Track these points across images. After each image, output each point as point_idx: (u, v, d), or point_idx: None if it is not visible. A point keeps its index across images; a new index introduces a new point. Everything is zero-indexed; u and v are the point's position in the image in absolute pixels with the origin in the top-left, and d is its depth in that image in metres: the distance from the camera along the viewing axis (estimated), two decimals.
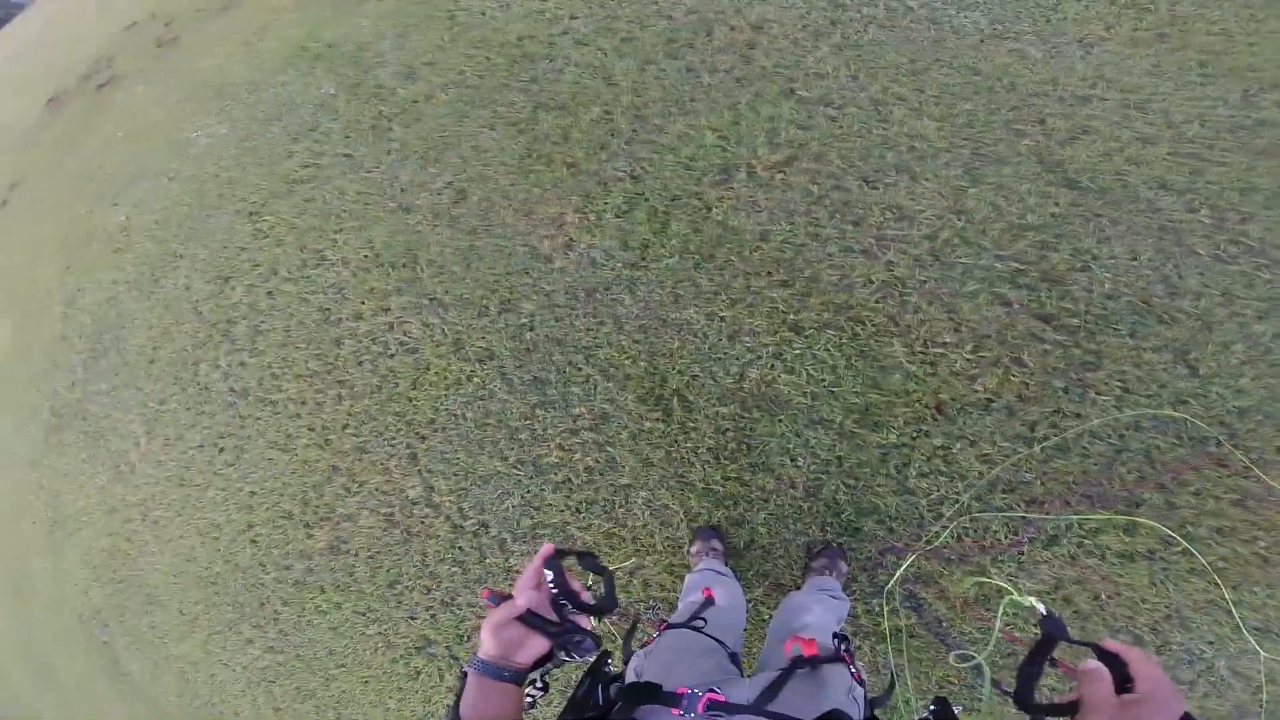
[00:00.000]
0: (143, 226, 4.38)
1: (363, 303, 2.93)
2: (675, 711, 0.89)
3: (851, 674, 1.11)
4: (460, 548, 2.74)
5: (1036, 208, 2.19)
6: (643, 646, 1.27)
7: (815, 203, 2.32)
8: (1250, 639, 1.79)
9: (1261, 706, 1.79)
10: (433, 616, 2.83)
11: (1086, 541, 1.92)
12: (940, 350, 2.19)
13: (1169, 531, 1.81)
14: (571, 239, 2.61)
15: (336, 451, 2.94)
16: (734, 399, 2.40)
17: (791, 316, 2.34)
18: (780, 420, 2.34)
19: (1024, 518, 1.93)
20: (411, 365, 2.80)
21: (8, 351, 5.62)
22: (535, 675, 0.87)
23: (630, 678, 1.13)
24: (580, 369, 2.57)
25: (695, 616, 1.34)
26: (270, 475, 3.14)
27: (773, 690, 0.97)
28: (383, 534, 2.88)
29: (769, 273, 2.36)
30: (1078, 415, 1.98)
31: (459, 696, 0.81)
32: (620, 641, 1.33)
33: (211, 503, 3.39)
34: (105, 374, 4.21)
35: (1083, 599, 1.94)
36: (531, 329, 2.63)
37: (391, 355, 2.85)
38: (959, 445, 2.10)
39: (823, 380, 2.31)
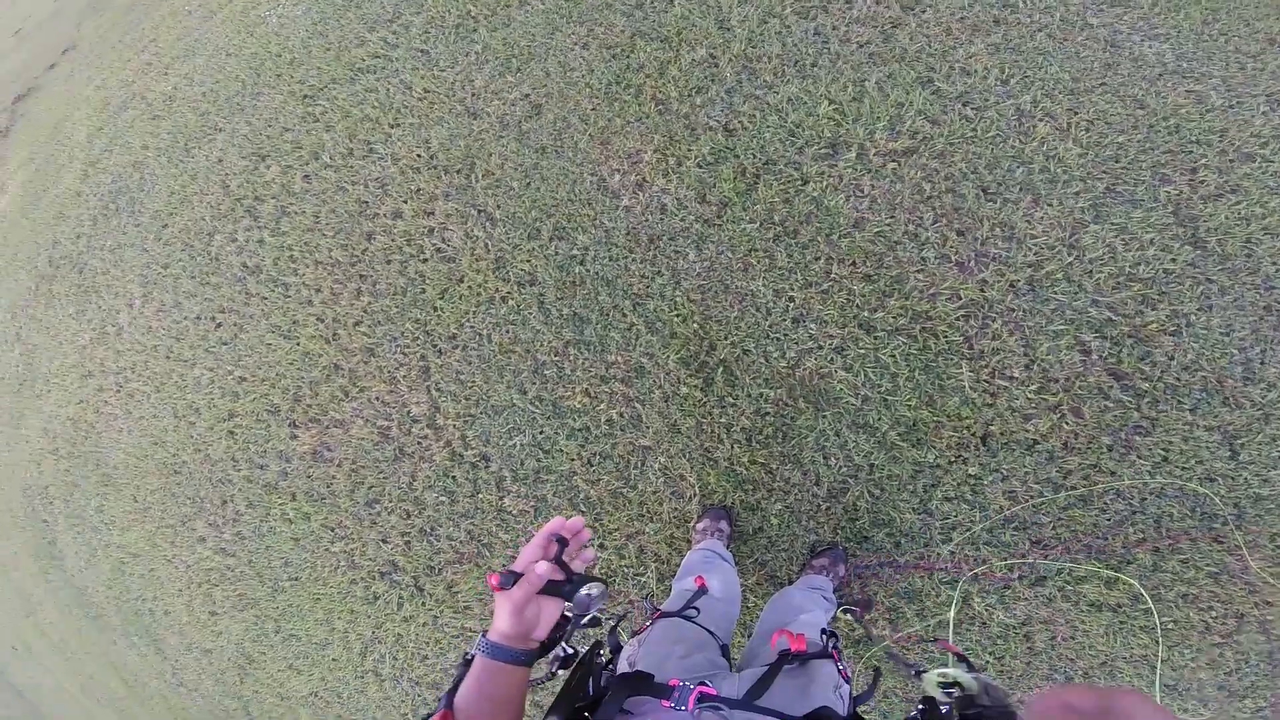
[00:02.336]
0: (188, 97, 4.19)
1: (405, 202, 2.75)
2: (666, 703, 0.89)
3: (839, 670, 1.13)
4: (454, 477, 2.54)
5: (1153, 260, 2.06)
6: (635, 635, 1.28)
7: (924, 201, 2.17)
8: (1156, 695, 1.92)
9: None
10: (407, 543, 2.62)
11: (1069, 587, 1.99)
12: (1005, 384, 2.10)
13: (1143, 592, 1.91)
14: (645, 179, 2.43)
15: (343, 349, 2.74)
16: (782, 384, 2.26)
17: (865, 314, 2.21)
18: (824, 416, 2.24)
19: (1025, 562, 2.02)
20: (445, 274, 2.62)
21: (16, 200, 5.45)
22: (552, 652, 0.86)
23: (623, 667, 1.13)
24: (625, 315, 2.39)
25: (688, 606, 1.34)
26: (265, 362, 2.94)
27: (762, 685, 0.99)
28: (373, 448, 2.68)
29: (854, 263, 2.22)
30: (1112, 473, 2.00)
31: (456, 684, 0.78)
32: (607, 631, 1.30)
33: (195, 383, 3.18)
34: (113, 231, 4.01)
35: (1041, 637, 2.03)
36: (582, 263, 2.45)
37: (425, 259, 2.66)
38: (990, 478, 2.09)
39: (879, 386, 2.19)
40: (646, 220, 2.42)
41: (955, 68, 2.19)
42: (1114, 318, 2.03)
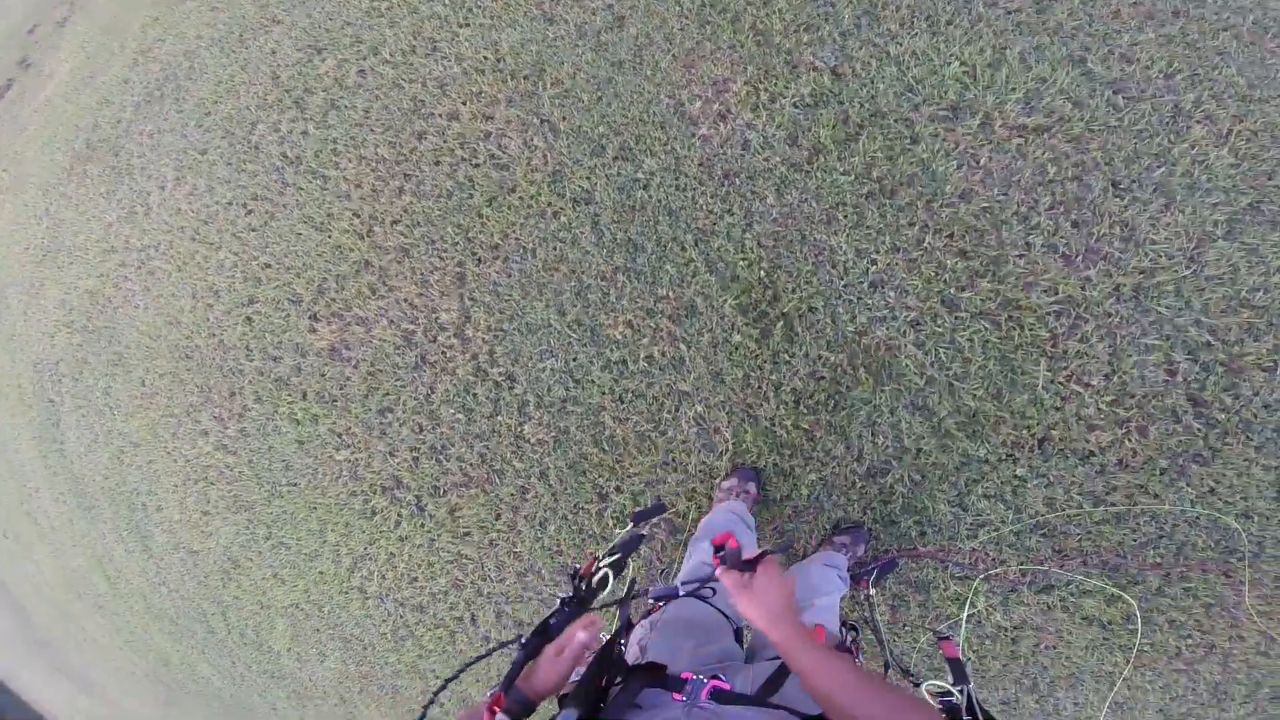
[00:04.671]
0: None
1: (464, 104, 2.47)
2: (677, 697, 0.84)
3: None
4: (475, 394, 2.28)
5: (1274, 288, 1.81)
6: (647, 615, 1.21)
7: (1044, 184, 1.90)
8: (1104, 709, 1.93)
9: None
10: (415, 460, 2.37)
11: (1071, 599, 1.91)
12: (1080, 390, 1.86)
13: (1138, 614, 1.85)
14: (729, 110, 2.15)
15: (376, 246, 2.47)
16: (845, 349, 2.02)
17: (952, 291, 1.95)
18: (883, 391, 1.99)
19: (1040, 568, 1.94)
20: (496, 181, 2.34)
21: (62, 86, 5.19)
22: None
23: (633, 651, 1.07)
24: (685, 250, 2.12)
25: (704, 584, 1.21)
26: (293, 251, 2.68)
27: (776, 680, 0.94)
28: (394, 352, 2.42)
29: (951, 235, 1.95)
30: (1156, 496, 1.85)
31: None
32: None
33: (219, 265, 2.91)
34: (154, 117, 3.73)
35: (1026, 643, 1.97)
36: (645, 188, 2.17)
37: (477, 164, 2.38)
38: (1035, 482, 1.91)
39: (949, 368, 1.94)
40: (724, 154, 2.13)
41: (1115, 53, 1.88)
42: (1213, 342, 1.79)
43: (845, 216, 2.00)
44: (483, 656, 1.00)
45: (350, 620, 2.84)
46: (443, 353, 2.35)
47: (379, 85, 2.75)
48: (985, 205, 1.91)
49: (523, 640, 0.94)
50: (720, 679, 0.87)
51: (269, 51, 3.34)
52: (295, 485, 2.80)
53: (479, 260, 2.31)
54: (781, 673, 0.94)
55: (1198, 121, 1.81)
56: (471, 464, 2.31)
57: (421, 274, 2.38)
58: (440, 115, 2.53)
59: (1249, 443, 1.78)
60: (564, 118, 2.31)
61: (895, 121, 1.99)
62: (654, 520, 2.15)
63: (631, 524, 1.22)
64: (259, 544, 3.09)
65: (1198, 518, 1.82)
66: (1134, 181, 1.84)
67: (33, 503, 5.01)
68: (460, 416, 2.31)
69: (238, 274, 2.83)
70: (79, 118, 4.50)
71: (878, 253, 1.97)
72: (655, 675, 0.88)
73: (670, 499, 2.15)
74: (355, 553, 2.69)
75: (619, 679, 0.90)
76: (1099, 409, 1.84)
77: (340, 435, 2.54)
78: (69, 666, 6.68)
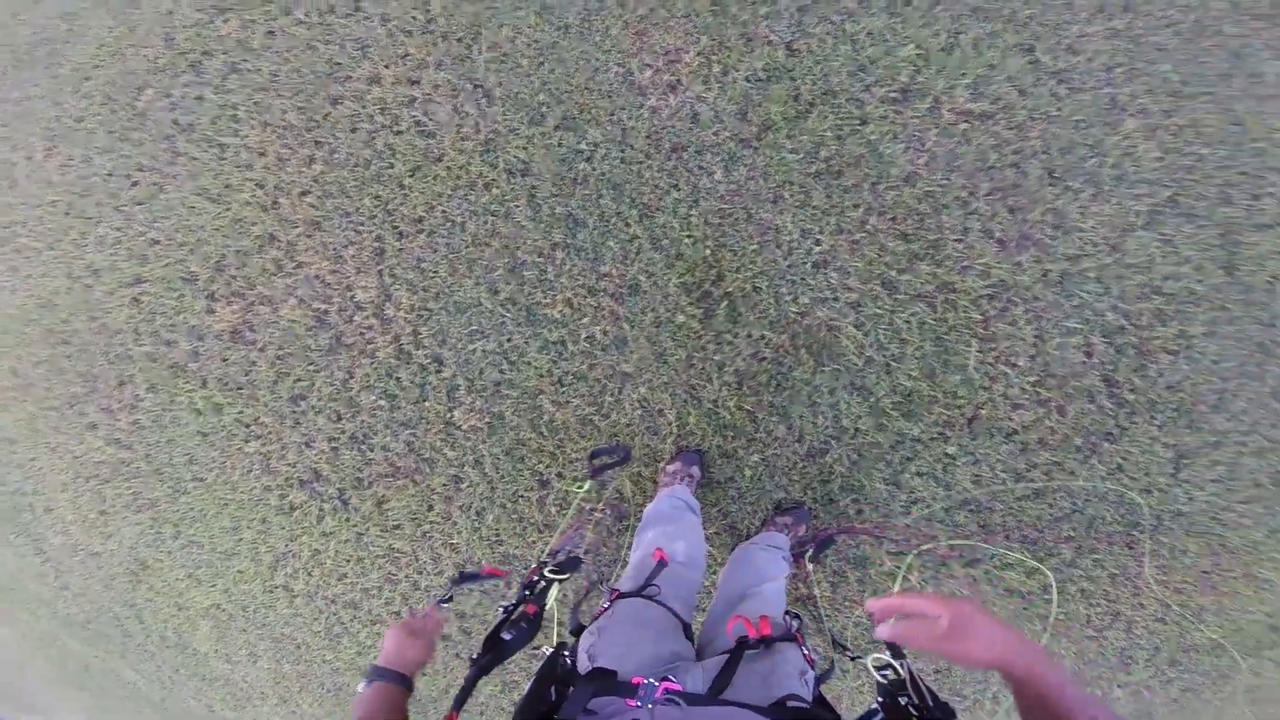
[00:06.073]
0: None
1: (387, 67, 2.01)
2: (631, 703, 0.75)
3: (804, 655, 0.97)
4: (398, 379, 1.87)
5: (1185, 277, 1.74)
6: (594, 619, 1.09)
7: (985, 170, 1.74)
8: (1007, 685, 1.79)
9: None
10: (334, 450, 1.93)
11: (994, 572, 1.84)
12: (1007, 370, 1.76)
13: (1053, 585, 1.81)
14: (680, 82, 1.84)
15: (283, 219, 1.98)
16: (787, 330, 1.79)
17: (892, 273, 1.76)
18: (823, 371, 1.79)
19: (967, 543, 1.85)
20: (420, 150, 1.91)
21: None
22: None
23: (582, 660, 0.95)
24: (629, 226, 1.80)
25: (648, 584, 1.13)
26: (186, 226, 2.12)
27: (725, 676, 0.86)
28: (306, 334, 1.95)
29: (894, 218, 1.76)
30: (1071, 473, 1.77)
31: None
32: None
33: (98, 242, 2.29)
34: (22, 84, 2.92)
35: None
36: (588, 160, 1.83)
37: (399, 132, 1.94)
38: (964, 460, 1.78)
39: (887, 349, 1.77)
40: (673, 127, 1.82)
41: (1063, 44, 1.72)
42: (1127, 326, 1.72)
43: (792, 196, 1.75)
44: None
45: (279, 620, 2.35)
46: (361, 334, 1.90)
47: (290, 47, 2.21)
48: (928, 189, 1.72)
49: (474, 657, 0.88)
50: (670, 680, 0.79)
51: (165, 12, 2.64)
52: (202, 480, 2.25)
53: (400, 234, 1.88)
54: (730, 666, 0.87)
55: (1132, 115, 1.70)
56: (398, 453, 1.90)
57: (335, 249, 1.91)
58: (359, 79, 2.05)
59: (1153, 422, 1.73)
60: (500, 83, 1.91)
61: (846, 101, 1.76)
62: (610, 482, 1.86)
63: (590, 476, 1.01)
64: (167, 543, 2.51)
65: (1106, 493, 1.76)
66: (1068, 171, 1.70)
67: None
68: (383, 403, 1.88)
69: (121, 251, 2.21)
70: None
71: (822, 233, 1.74)
72: (605, 682, 0.79)
73: (615, 483, 1.85)
74: (276, 550, 2.20)
75: (570, 688, 0.80)
76: (1023, 389, 1.74)
77: (248, 425, 2.04)
78: None
